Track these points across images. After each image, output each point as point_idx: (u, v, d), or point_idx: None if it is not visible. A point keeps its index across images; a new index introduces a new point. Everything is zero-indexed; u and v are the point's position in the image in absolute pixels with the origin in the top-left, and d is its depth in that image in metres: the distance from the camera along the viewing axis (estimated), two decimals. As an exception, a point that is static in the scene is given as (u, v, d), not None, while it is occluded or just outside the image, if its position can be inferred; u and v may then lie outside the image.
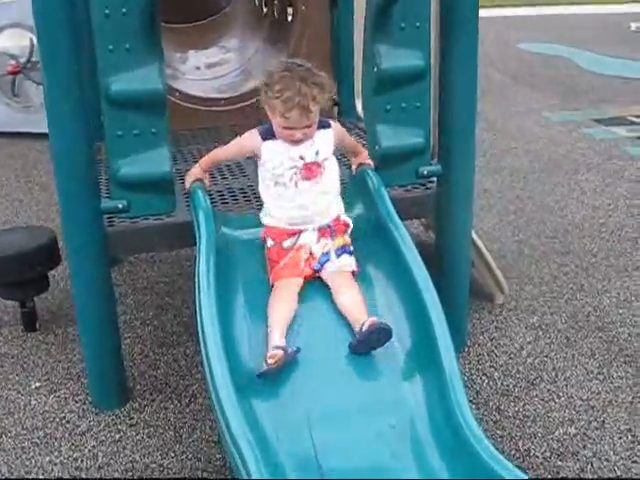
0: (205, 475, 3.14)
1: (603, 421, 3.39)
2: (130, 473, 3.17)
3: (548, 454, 3.21)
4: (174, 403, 3.55)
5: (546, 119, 8.01)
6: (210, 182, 3.36)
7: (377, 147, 3.50)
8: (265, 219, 3.15)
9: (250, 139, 3.13)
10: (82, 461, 3.24)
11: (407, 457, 2.61)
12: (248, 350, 2.96)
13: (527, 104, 8.63)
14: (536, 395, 3.55)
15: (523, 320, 4.09)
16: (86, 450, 3.30)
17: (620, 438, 3.30)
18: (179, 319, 4.12)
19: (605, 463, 3.16)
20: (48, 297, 4.44)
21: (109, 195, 3.40)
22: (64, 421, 3.48)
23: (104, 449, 3.30)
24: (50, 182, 3.79)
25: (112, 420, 3.47)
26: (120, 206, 3.30)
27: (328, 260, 3.05)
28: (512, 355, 3.82)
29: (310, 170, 3.04)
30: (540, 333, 3.99)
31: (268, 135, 3.06)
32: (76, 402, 3.59)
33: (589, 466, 3.15)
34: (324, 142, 3.08)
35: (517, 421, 3.38)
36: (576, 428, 3.35)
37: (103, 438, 3.37)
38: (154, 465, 3.20)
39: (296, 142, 3.00)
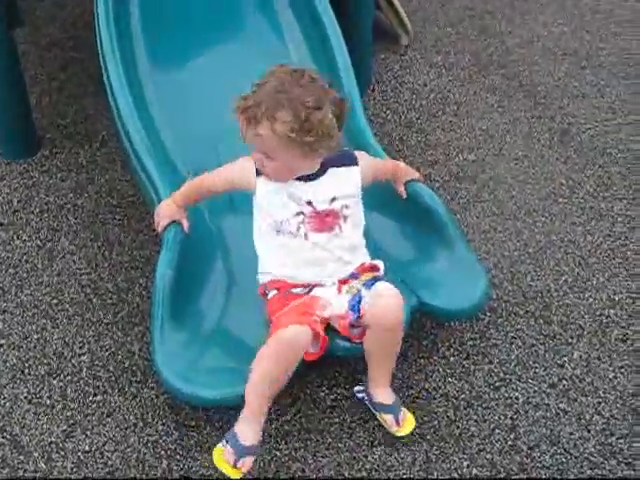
0: (118, 211, 3.24)
1: (501, 148, 3.56)
2: (45, 215, 3.24)
3: (447, 178, 3.37)
4: (85, 149, 3.58)
5: None
6: (188, 222, 2.54)
7: None
8: (264, 277, 2.44)
9: (242, 169, 2.39)
10: (-3, 207, 3.31)
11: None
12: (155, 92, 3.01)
13: None
14: (438, 126, 3.68)
15: (427, 59, 4.15)
16: (0, 197, 3.35)
17: (516, 164, 3.47)
18: (86, 72, 4.07)
19: (501, 185, 3.35)
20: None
21: None
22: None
23: (18, 195, 3.36)
24: None
25: (24, 168, 3.50)
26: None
27: (361, 299, 2.31)
28: (416, 91, 3.91)
29: (322, 221, 2.34)
30: (444, 71, 4.07)
31: None
32: (-16, 152, 3.60)
33: (486, 187, 3.33)
34: (345, 184, 2.38)
35: (419, 150, 3.53)
36: (475, 155, 3.51)
37: (16, 185, 3.41)
38: (69, 205, 3.28)
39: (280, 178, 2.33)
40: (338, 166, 2.38)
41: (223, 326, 2.44)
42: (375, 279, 2.36)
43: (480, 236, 3.09)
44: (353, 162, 2.41)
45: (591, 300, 2.86)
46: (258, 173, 2.35)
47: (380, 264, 2.47)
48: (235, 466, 2.17)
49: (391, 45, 4.24)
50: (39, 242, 3.12)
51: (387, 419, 2.39)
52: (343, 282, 2.38)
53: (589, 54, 4.21)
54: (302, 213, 2.33)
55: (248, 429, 2.20)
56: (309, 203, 2.33)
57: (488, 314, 2.78)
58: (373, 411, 2.44)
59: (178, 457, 2.39)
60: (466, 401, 2.53)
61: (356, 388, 2.49)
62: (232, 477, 2.18)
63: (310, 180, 2.34)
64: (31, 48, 4.35)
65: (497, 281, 2.90)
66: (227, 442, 2.20)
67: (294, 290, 2.36)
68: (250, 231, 2.51)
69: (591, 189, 3.33)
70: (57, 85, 4.02)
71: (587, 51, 4.23)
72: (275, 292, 2.37)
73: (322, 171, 2.36)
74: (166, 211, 2.52)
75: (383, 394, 2.40)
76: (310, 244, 2.34)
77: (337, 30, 3.06)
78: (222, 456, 2.19)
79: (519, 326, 2.76)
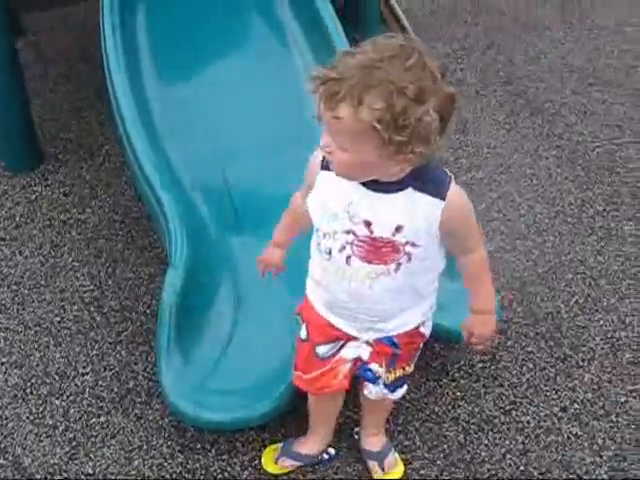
0: (122, 227, 3.20)
1: (509, 166, 3.52)
2: (48, 230, 3.20)
3: (456, 196, 3.32)
4: (88, 163, 3.54)
5: None
6: (283, 266, 2.21)
7: None
8: (308, 282, 2.04)
9: (311, 162, 1.88)
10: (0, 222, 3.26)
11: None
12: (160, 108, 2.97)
13: None
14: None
15: (434, 76, 4.11)
16: (3, 212, 3.31)
17: (524, 182, 3.43)
18: (90, 85, 4.03)
19: (510, 203, 3.31)
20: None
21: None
22: (-24, 188, 3.46)
23: (21, 209, 3.32)
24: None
25: (27, 182, 3.46)
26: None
27: (373, 383, 2.09)
28: (423, 108, 3.87)
29: (376, 250, 1.80)
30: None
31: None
32: (-12, 167, 3.56)
33: (494, 206, 3.30)
34: (419, 217, 1.75)
35: (427, 167, 3.48)
36: (483, 173, 3.48)
37: (19, 199, 3.37)
38: (72, 221, 3.24)
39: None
40: (420, 190, 1.74)
41: (231, 347, 2.39)
42: (403, 380, 2.13)
43: (490, 256, 3.03)
44: (440, 194, 1.74)
45: (602, 322, 2.82)
46: (323, 167, 1.83)
47: (426, 333, 2.06)
48: (276, 462, 2.35)
49: (397, 60, 4.19)
50: (42, 258, 3.08)
51: (371, 465, 2.37)
52: (378, 351, 2.02)
53: (596, 70, 4.17)
54: (352, 233, 1.80)
55: (306, 438, 2.36)
56: (367, 224, 1.78)
57: (498, 336, 2.73)
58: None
59: (183, 481, 2.34)
60: (477, 425, 2.49)
61: (356, 429, 2.45)
62: (268, 470, 2.35)
63: (379, 191, 1.75)
64: (33, 59, 4.30)
65: (506, 302, 2.86)
66: (284, 442, 2.39)
67: (319, 350, 2.05)
68: (257, 249, 2.47)
69: (600, 208, 3.29)
70: (60, 97, 3.98)
71: (594, 68, 4.19)
72: (305, 335, 2.08)
73: (398, 187, 1.74)
74: (265, 256, 2.21)
75: (371, 442, 2.38)
76: (349, 271, 1.85)
77: (343, 39, 3.03)
78: (271, 451, 2.38)
79: (529, 348, 2.72)
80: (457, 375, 2.62)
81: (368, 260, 1.81)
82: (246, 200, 2.69)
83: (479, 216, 3.10)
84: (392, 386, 2.11)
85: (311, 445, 2.36)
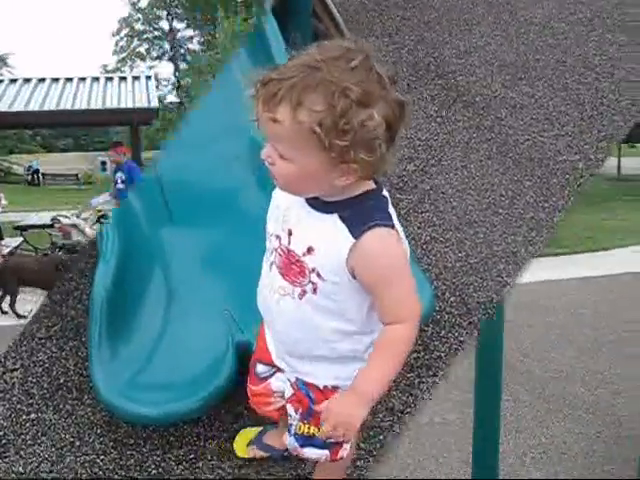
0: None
1: (440, 159, 3.55)
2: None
3: (388, 188, 3.29)
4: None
5: None
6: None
7: None
8: None
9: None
10: None
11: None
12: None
13: None
14: (378, 136, 3.65)
15: (366, 69, 4.13)
16: None
17: (456, 174, 3.46)
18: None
19: (441, 195, 3.34)
20: None
21: None
22: None
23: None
24: None
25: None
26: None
27: (287, 432, 1.98)
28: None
29: (288, 265, 1.70)
30: (382, 81, 4.04)
31: None
32: None
33: (426, 198, 3.32)
34: (331, 247, 1.63)
35: (359, 160, 3.49)
36: (415, 165, 3.50)
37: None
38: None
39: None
40: (343, 220, 1.63)
41: (162, 343, 2.36)
42: (312, 441, 1.90)
43: (422, 247, 3.07)
44: (357, 231, 1.60)
45: (533, 311, 2.85)
46: None
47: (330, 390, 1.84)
48: (247, 446, 2.29)
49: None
50: (-32, 254, 3.01)
51: None
52: (297, 396, 1.90)
53: (525, 66, 4.22)
54: (279, 239, 1.73)
55: (275, 432, 2.26)
56: (289, 233, 1.70)
57: (431, 326, 2.75)
58: None
59: (117, 477, 2.30)
60: (412, 415, 2.49)
61: None
62: (237, 453, 2.29)
63: (312, 207, 1.67)
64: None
65: (439, 292, 2.88)
66: (261, 429, 2.31)
67: (258, 369, 2.00)
68: (189, 242, 2.44)
69: (531, 199, 3.33)
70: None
71: (523, 63, 4.25)
72: (255, 346, 2.03)
73: (328, 209, 1.66)
74: None
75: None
76: (269, 279, 1.77)
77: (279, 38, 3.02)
78: (246, 435, 2.31)
79: (462, 338, 2.74)
80: (391, 365, 2.63)
81: (281, 273, 1.73)
82: (178, 193, 2.67)
83: (412, 208, 3.18)
84: (301, 439, 1.91)
85: (279, 439, 2.19)
